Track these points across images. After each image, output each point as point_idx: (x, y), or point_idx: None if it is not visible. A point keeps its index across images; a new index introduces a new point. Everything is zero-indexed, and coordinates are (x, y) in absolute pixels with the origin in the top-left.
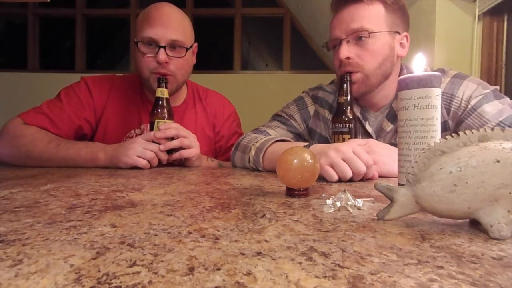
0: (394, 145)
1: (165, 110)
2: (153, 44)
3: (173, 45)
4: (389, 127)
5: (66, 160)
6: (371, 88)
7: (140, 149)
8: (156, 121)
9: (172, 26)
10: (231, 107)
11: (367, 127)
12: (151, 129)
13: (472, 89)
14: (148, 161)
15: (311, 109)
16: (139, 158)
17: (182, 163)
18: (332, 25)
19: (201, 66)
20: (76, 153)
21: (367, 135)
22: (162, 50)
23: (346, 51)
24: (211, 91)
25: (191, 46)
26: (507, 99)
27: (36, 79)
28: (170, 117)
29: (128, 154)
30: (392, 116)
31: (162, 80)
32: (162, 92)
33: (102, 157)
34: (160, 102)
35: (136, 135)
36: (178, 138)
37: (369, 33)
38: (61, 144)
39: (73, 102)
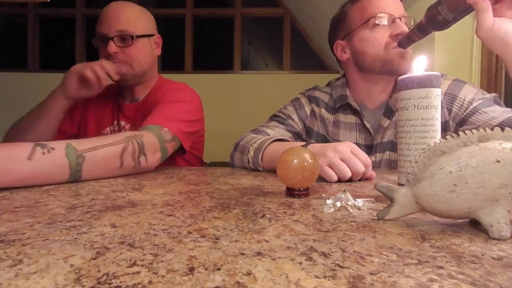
0: (394, 143)
1: None
2: (104, 37)
3: (122, 36)
4: (386, 122)
5: (39, 116)
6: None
7: (83, 64)
8: None
9: (118, 18)
10: (178, 84)
11: (365, 122)
12: None
13: (473, 92)
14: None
15: (308, 108)
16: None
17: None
18: (377, 2)
19: (201, 66)
20: (42, 106)
21: (366, 131)
22: (110, 42)
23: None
24: (178, 83)
25: (145, 36)
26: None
27: (36, 79)
28: None
29: (75, 68)
30: (389, 112)
31: None
32: None
33: (58, 92)
34: None
35: (111, 132)
36: None
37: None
38: (33, 109)
39: None
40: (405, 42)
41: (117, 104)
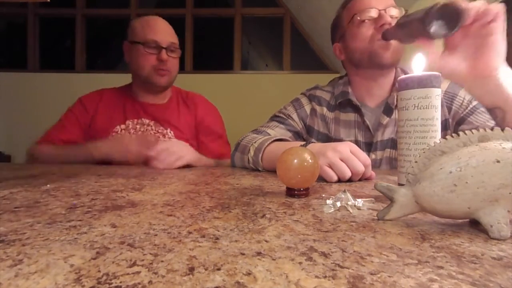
0: (395, 141)
1: None
2: (155, 45)
3: (171, 47)
4: (385, 120)
5: (65, 160)
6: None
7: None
8: None
9: (168, 31)
10: (213, 105)
11: (365, 119)
12: None
13: None
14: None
15: (308, 108)
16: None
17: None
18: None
19: (201, 66)
20: (70, 155)
21: (366, 128)
22: (164, 50)
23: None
24: (192, 92)
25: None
26: None
27: (36, 79)
28: None
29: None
30: (388, 110)
31: None
32: None
33: (93, 151)
34: None
35: (121, 130)
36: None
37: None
38: (59, 149)
39: (70, 117)
40: (387, 34)
41: (133, 104)
